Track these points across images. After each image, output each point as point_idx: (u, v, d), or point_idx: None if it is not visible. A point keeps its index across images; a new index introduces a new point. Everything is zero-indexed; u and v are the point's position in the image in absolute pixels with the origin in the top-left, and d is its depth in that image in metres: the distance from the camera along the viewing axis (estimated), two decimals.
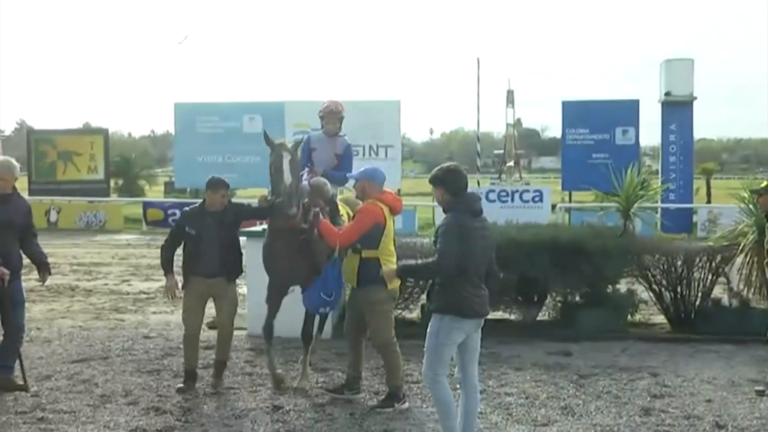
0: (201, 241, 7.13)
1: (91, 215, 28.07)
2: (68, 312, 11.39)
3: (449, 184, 5.61)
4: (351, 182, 7.30)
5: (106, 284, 14.19)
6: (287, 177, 6.84)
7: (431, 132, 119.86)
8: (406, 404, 6.73)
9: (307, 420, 6.41)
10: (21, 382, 7.16)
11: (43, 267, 7.28)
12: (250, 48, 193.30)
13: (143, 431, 6.14)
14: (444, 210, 5.63)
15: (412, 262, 5.58)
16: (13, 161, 7.22)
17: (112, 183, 32.94)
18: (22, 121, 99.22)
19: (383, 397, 6.80)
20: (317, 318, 7.48)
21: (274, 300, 7.27)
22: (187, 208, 7.77)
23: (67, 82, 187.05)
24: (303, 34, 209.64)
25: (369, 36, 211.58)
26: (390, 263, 6.56)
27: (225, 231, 7.20)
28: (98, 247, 21.48)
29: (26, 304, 11.81)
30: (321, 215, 6.88)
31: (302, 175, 7.56)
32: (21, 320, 7.24)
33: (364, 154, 25.93)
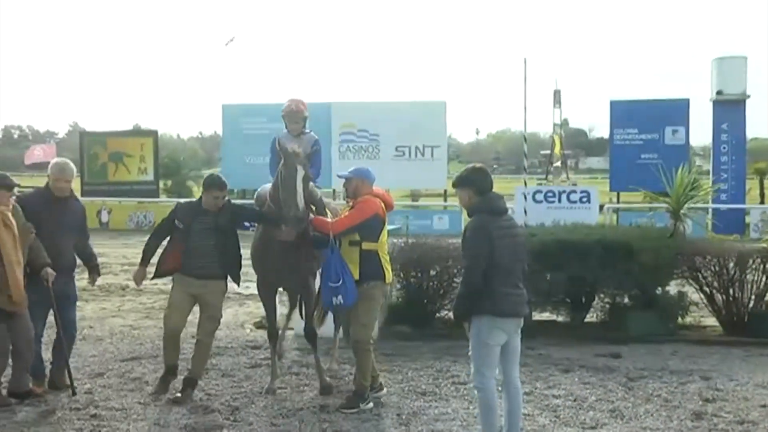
0: (189, 238, 6.92)
1: (141, 216, 28.52)
2: (119, 311, 11.58)
3: (478, 183, 5.57)
4: (321, 180, 7.36)
5: (155, 284, 14.23)
6: (300, 199, 6.65)
7: (477, 132, 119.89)
8: (371, 404, 6.70)
9: (354, 420, 6.42)
10: (68, 382, 7.29)
11: (93, 269, 7.43)
12: (296, 49, 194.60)
13: (192, 429, 6.21)
14: (468, 213, 5.59)
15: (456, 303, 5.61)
16: (71, 163, 7.36)
17: (161, 184, 33.41)
18: (74, 123, 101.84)
19: (349, 395, 6.77)
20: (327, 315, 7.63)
21: (269, 299, 7.35)
22: (182, 201, 7.66)
23: (118, 84, 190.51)
24: (350, 35, 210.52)
25: (415, 37, 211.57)
26: (384, 254, 6.76)
27: (220, 233, 6.96)
28: None
29: (78, 303, 12.07)
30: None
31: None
32: (74, 318, 7.39)
33: (410, 155, 25.98)
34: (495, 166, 72.83)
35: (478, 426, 6.10)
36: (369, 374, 6.76)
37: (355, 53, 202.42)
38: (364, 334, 6.71)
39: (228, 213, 7.06)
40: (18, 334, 6.62)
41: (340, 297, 6.59)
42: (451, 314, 9.62)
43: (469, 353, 5.58)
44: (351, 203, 6.92)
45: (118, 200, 29.33)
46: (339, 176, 7.07)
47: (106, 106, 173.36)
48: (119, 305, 12.06)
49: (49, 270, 6.81)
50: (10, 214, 6.58)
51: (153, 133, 32.97)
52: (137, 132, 41.71)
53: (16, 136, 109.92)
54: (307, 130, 8.04)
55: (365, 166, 7.32)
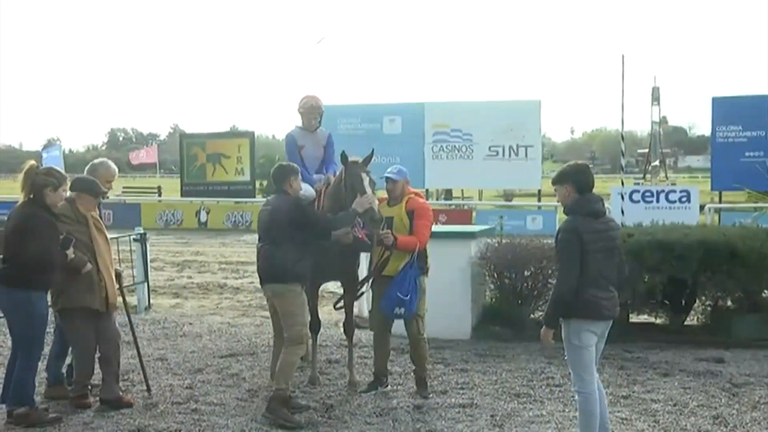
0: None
1: (238, 215, 29.10)
2: (217, 308, 11.86)
3: (579, 179, 5.46)
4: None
5: (252, 282, 14.62)
6: (375, 204, 6.73)
7: (572, 131, 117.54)
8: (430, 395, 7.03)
9: (448, 420, 6.41)
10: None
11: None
12: (389, 49, 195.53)
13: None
14: (565, 211, 5.49)
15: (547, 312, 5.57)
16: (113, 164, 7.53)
17: (257, 184, 34.00)
18: (175, 125, 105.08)
19: (416, 387, 7.13)
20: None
21: (315, 292, 7.54)
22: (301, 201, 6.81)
23: (216, 87, 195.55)
24: (443, 35, 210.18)
25: (509, 35, 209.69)
26: (427, 249, 7.01)
27: None
28: (245, 246, 22.18)
29: (178, 300, 12.42)
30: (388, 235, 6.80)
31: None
32: None
33: (503, 155, 25.75)
34: (591, 166, 71.50)
35: (574, 429, 6.01)
36: (426, 361, 7.17)
37: (449, 52, 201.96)
38: (422, 326, 7.00)
39: None
40: (106, 338, 6.65)
41: (402, 309, 6.80)
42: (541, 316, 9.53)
43: (566, 358, 5.50)
44: (390, 202, 7.03)
45: (216, 200, 30.03)
46: (384, 177, 7.06)
47: (205, 108, 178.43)
48: (217, 303, 12.35)
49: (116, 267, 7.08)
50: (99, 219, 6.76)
51: (249, 135, 33.53)
52: (234, 133, 42.70)
53: (121, 138, 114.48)
54: (320, 126, 8.25)
55: (403, 166, 7.40)
